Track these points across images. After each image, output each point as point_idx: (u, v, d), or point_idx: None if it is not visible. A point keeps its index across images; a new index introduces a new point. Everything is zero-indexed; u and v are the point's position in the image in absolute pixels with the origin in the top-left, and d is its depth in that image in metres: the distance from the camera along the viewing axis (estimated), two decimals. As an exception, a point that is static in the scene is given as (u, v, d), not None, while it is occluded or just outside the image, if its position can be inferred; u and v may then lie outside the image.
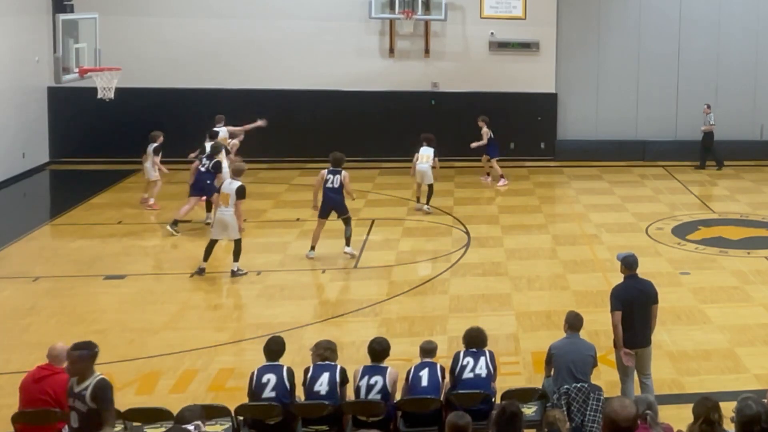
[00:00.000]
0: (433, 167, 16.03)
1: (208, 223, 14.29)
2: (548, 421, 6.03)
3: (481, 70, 20.79)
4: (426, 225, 15.33)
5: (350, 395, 7.50)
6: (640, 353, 8.12)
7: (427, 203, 16.13)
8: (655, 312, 8.20)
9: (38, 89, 19.12)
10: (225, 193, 12.33)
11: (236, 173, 12.70)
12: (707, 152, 20.56)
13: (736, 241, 14.61)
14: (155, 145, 15.72)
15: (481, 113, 18.77)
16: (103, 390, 6.28)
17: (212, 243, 12.42)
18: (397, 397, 7.46)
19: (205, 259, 12.38)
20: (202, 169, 14.56)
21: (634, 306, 7.99)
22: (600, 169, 20.47)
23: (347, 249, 13.18)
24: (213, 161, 14.56)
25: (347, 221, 13.14)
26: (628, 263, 8.16)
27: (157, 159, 15.72)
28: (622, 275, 8.22)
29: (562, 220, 15.99)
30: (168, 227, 14.37)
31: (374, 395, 7.26)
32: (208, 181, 14.36)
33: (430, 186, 16.05)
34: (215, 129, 16.58)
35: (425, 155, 16.08)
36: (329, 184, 12.96)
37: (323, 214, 13.08)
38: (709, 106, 20.44)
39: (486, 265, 13.05)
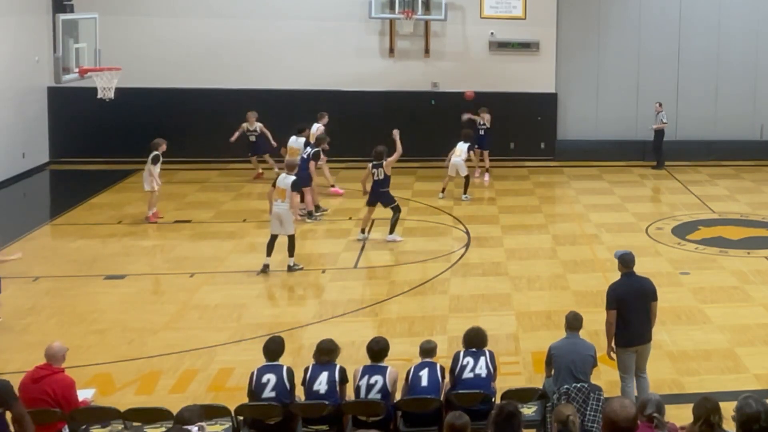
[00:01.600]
0: (468, 160, 17.26)
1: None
2: (560, 419, 5.89)
3: (481, 70, 20.78)
4: (426, 225, 15.33)
5: (350, 395, 7.50)
6: (640, 350, 8.12)
7: (465, 192, 17.26)
8: (654, 309, 8.20)
9: (38, 89, 19.11)
10: (281, 188, 12.48)
11: (289, 168, 12.87)
12: (657, 150, 20.51)
13: (736, 241, 14.61)
14: (155, 153, 14.85)
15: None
16: (10, 388, 6.25)
17: (273, 238, 12.48)
18: (397, 397, 7.46)
19: (268, 254, 12.43)
20: (304, 156, 15.11)
21: (630, 303, 7.99)
22: (600, 169, 20.47)
23: (389, 237, 14.10)
24: (314, 150, 15.03)
25: (395, 209, 14.20)
26: (625, 261, 8.18)
27: (155, 169, 14.77)
28: (620, 273, 8.23)
29: (562, 220, 15.99)
30: (307, 220, 15.00)
31: (374, 395, 7.26)
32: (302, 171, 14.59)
33: (467, 177, 17.20)
34: (317, 124, 17.03)
35: (459, 149, 17.12)
36: (376, 177, 14.15)
37: (371, 203, 14.17)
38: (660, 104, 20.40)
39: (486, 265, 13.05)
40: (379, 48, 20.69)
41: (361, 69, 20.44)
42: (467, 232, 14.80)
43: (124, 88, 16.22)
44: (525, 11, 20.92)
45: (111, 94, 15.49)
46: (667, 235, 14.92)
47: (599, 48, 21.40)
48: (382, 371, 7.36)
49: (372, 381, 7.30)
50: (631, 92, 21.48)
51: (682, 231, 15.16)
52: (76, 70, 14.86)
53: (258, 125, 18.28)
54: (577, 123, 21.36)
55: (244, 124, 18.23)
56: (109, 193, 17.28)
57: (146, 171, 14.89)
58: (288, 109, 19.41)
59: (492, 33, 20.84)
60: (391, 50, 20.66)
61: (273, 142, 18.08)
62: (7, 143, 17.76)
